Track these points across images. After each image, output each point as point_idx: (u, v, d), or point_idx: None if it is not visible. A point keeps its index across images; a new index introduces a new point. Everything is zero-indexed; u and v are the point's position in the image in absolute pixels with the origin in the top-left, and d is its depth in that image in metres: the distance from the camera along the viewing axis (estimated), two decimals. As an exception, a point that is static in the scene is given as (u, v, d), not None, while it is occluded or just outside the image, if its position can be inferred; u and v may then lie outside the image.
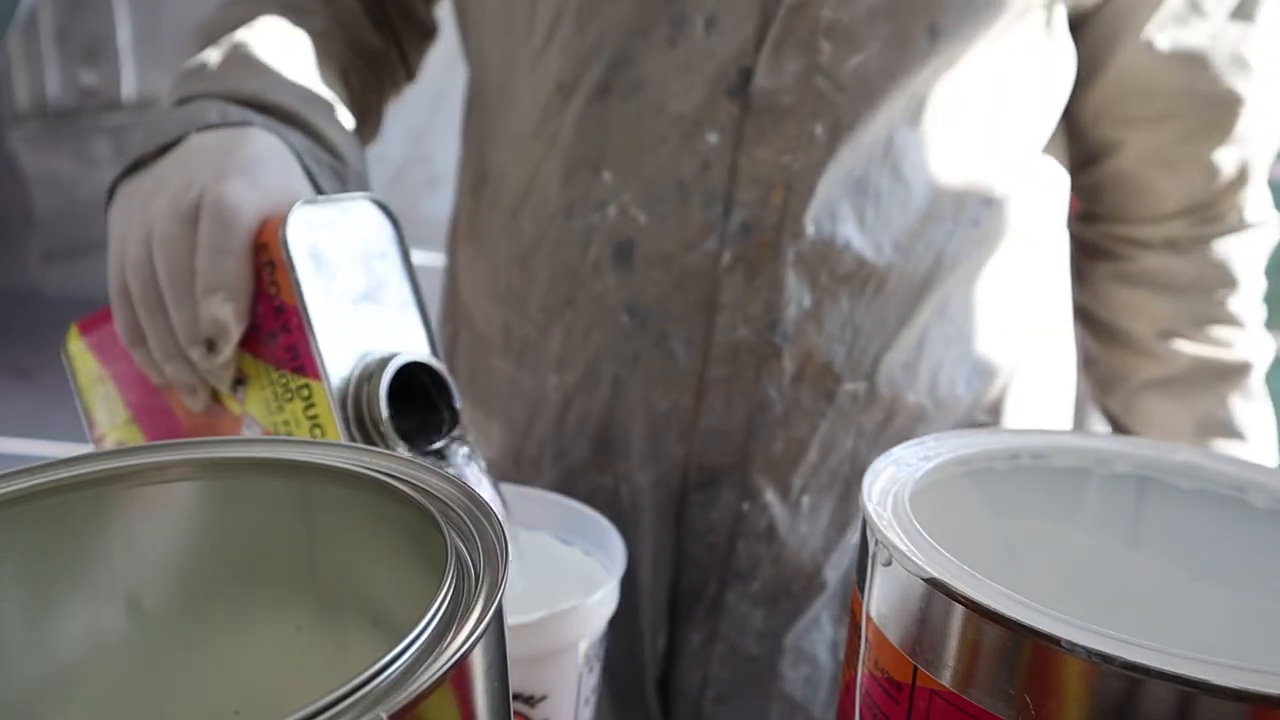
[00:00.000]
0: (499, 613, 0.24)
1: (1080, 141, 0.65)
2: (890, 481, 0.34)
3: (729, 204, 0.56)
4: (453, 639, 0.22)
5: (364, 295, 0.45)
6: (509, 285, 0.63)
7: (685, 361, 0.59)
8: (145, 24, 3.86)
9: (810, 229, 0.56)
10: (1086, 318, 0.70)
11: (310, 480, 0.31)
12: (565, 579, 0.52)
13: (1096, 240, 0.69)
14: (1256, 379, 0.66)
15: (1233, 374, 0.66)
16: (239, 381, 0.46)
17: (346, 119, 0.58)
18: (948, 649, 0.28)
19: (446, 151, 0.86)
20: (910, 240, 0.58)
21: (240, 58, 0.56)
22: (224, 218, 0.44)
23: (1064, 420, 0.68)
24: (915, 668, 0.29)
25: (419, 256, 0.49)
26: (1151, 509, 0.40)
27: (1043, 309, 0.65)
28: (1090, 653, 0.25)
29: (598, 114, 0.58)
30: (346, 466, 0.30)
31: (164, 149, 0.50)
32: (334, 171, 0.54)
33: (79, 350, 0.52)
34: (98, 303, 0.50)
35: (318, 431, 0.43)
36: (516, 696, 0.46)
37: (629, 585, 0.61)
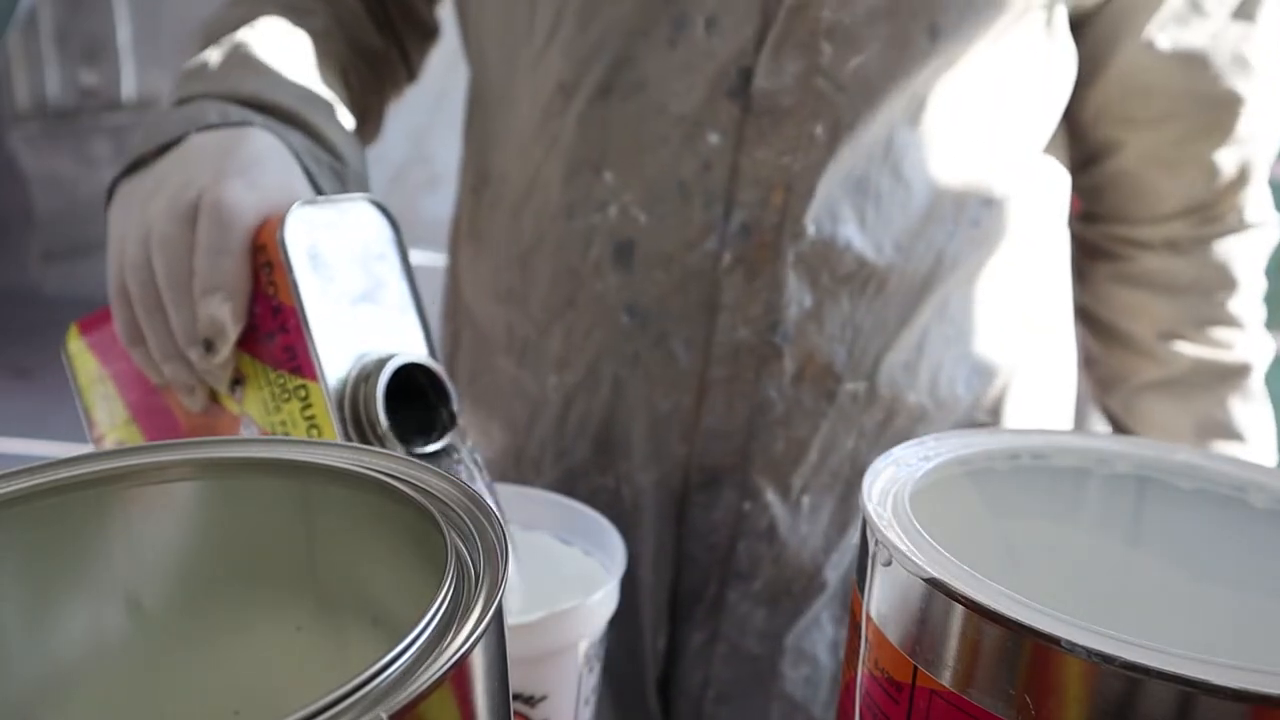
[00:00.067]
0: (499, 613, 0.24)
1: (1081, 142, 0.65)
2: (890, 481, 0.34)
3: (729, 204, 0.56)
4: (453, 639, 0.22)
5: (362, 296, 0.45)
6: (510, 285, 0.63)
7: (686, 362, 0.59)
8: (145, 24, 3.86)
9: (811, 229, 0.56)
10: (1087, 318, 0.71)
11: (310, 480, 0.31)
12: (565, 579, 0.52)
13: (1097, 241, 0.69)
14: (1256, 380, 0.66)
15: (1232, 375, 0.66)
16: (237, 381, 0.46)
17: (346, 119, 0.58)
18: (948, 649, 0.28)
19: (447, 152, 0.86)
20: (911, 240, 0.58)
21: (240, 58, 0.56)
22: (222, 218, 0.44)
23: (1064, 420, 0.68)
24: (915, 668, 0.29)
25: (419, 257, 0.49)
26: (1151, 509, 0.40)
27: (1043, 309, 0.65)
28: (1090, 653, 0.25)
29: (599, 114, 0.58)
30: (346, 466, 0.30)
31: (164, 149, 0.50)
32: (333, 172, 0.54)
33: (79, 350, 0.52)
34: (98, 303, 0.50)
35: (314, 432, 0.43)
36: (516, 696, 0.46)
37: (630, 585, 0.61)
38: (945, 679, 0.28)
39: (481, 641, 0.23)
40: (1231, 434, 0.66)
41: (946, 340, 0.60)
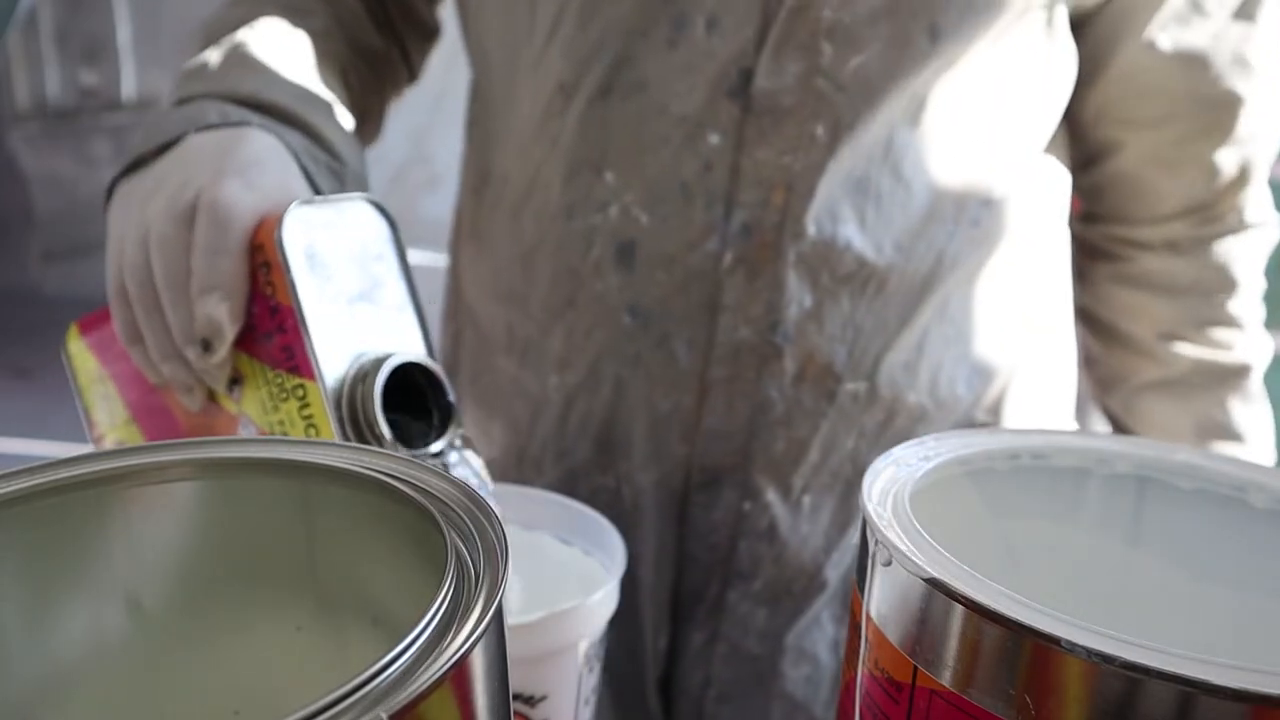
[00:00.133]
0: (499, 613, 0.24)
1: (1081, 142, 0.65)
2: (890, 481, 0.34)
3: (730, 205, 0.56)
4: (453, 639, 0.22)
5: (360, 296, 0.45)
6: (511, 285, 0.63)
7: (687, 362, 0.59)
8: (145, 24, 3.85)
9: (811, 229, 0.56)
10: (1087, 318, 0.71)
11: (310, 480, 0.31)
12: (565, 579, 0.52)
13: (1097, 241, 0.69)
14: (1256, 381, 0.66)
15: (1232, 376, 0.66)
16: (235, 381, 0.46)
17: (345, 119, 0.58)
18: (948, 649, 0.28)
19: (447, 152, 0.86)
20: (911, 240, 0.58)
21: (240, 58, 0.56)
22: (220, 218, 0.44)
23: (1064, 420, 0.68)
24: (915, 668, 0.29)
25: (419, 257, 0.49)
26: (1151, 509, 0.40)
27: (1043, 309, 0.65)
28: (1090, 653, 0.25)
29: (599, 114, 0.58)
30: (346, 466, 0.30)
31: (163, 148, 0.50)
32: (332, 171, 0.54)
33: (79, 350, 0.52)
34: (98, 303, 0.50)
35: (312, 431, 0.43)
36: (516, 696, 0.46)
37: (631, 585, 0.61)
38: (945, 679, 0.28)
39: (481, 641, 0.23)
40: (1231, 434, 0.66)
41: (946, 340, 0.60)
